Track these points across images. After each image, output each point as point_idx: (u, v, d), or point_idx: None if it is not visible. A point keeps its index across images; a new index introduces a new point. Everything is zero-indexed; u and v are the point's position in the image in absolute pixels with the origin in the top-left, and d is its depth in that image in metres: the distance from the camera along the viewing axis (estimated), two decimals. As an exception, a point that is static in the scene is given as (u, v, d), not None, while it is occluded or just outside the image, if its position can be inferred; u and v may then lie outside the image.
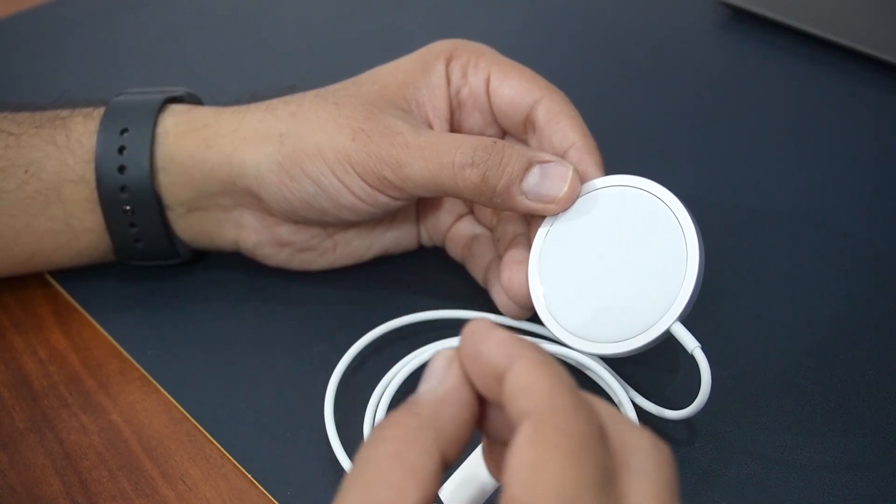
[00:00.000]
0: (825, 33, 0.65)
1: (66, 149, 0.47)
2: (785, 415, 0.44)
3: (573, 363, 0.45)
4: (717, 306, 0.48)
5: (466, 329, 0.29)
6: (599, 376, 0.44)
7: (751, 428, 0.43)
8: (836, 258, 0.51)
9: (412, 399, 0.29)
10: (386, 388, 0.44)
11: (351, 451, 0.42)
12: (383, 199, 0.45)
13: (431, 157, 0.43)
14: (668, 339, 0.41)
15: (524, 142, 0.48)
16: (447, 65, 0.48)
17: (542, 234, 0.44)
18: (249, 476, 0.42)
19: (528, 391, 0.27)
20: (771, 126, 0.61)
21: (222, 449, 0.44)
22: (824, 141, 0.59)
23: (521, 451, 0.26)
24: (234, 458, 0.43)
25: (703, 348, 0.40)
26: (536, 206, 0.43)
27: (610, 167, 0.45)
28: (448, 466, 0.28)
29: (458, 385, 0.29)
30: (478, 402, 0.29)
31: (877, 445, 0.42)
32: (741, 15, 0.70)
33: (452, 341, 0.46)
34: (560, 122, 0.45)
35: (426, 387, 0.29)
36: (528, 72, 0.47)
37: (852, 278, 0.50)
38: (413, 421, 0.28)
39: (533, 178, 0.43)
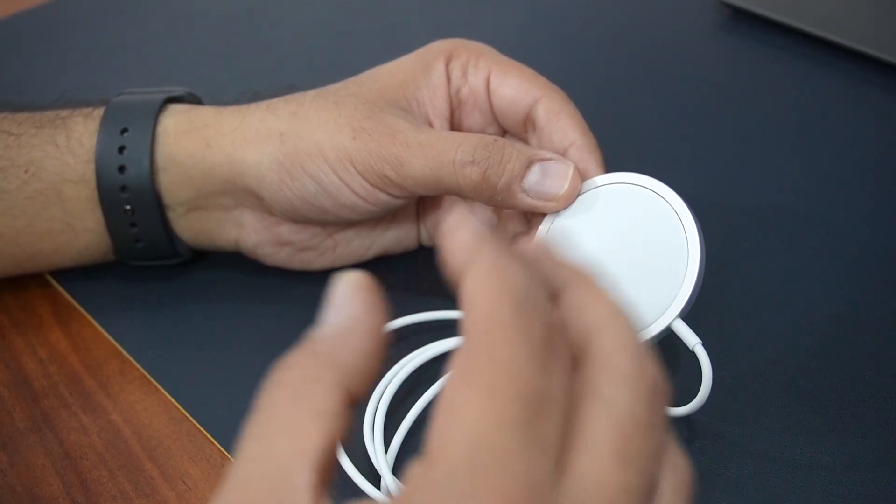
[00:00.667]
0: (825, 33, 0.65)
1: (67, 149, 0.47)
2: (785, 415, 0.43)
3: None
4: (717, 306, 0.48)
5: (444, 223, 0.26)
6: None
7: (751, 428, 0.43)
8: (837, 258, 0.51)
9: (310, 335, 0.26)
10: (386, 388, 0.44)
11: (351, 451, 0.42)
12: (384, 197, 0.45)
13: (432, 155, 0.43)
14: (668, 336, 0.41)
15: (524, 141, 0.48)
16: (447, 64, 0.48)
17: (542, 233, 0.44)
18: (249, 476, 0.42)
19: (469, 307, 0.24)
20: (771, 126, 0.61)
21: (222, 449, 0.44)
22: (824, 141, 0.59)
23: (447, 388, 0.24)
24: (234, 458, 0.43)
25: (703, 345, 0.40)
26: (537, 204, 0.43)
27: (610, 167, 0.45)
28: (356, 402, 0.26)
29: (360, 314, 0.26)
30: (383, 327, 0.26)
31: (877, 445, 0.42)
32: (741, 15, 0.70)
33: (452, 341, 0.46)
34: (560, 121, 0.46)
35: (325, 318, 0.27)
36: (528, 71, 0.47)
37: (852, 278, 0.50)
38: (310, 360, 0.26)
39: (534, 176, 0.43)
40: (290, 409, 0.25)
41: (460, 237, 0.25)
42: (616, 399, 0.24)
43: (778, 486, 0.41)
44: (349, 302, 0.26)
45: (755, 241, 0.52)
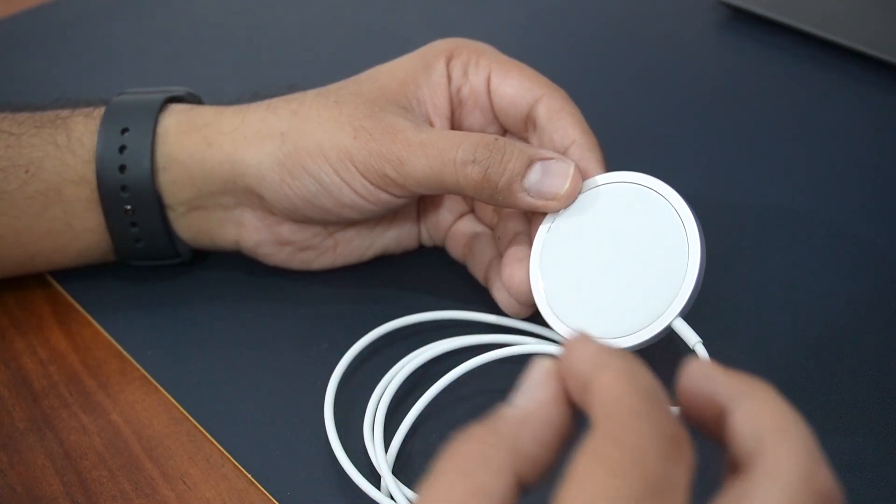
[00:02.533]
0: (825, 33, 0.65)
1: (67, 149, 0.47)
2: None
3: None
4: (717, 306, 0.48)
5: (565, 342, 0.28)
6: None
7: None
8: (837, 258, 0.51)
9: (498, 412, 0.27)
10: (386, 388, 0.44)
11: (351, 451, 0.42)
12: (385, 196, 0.45)
13: (433, 154, 0.43)
14: (669, 335, 0.41)
15: (525, 140, 0.48)
16: (448, 63, 0.48)
17: (543, 231, 0.44)
18: (249, 476, 0.42)
19: (599, 401, 0.26)
20: (771, 126, 0.61)
21: (222, 449, 0.44)
22: (824, 141, 0.59)
23: (572, 465, 0.25)
24: (234, 458, 0.43)
25: (704, 344, 0.40)
26: (538, 203, 0.43)
27: (610, 166, 0.45)
28: (526, 489, 0.26)
29: (548, 403, 0.27)
30: (570, 421, 0.27)
31: (877, 445, 0.42)
32: (741, 15, 0.70)
33: (452, 342, 0.46)
34: (561, 120, 0.46)
35: (516, 399, 0.28)
36: (528, 70, 0.47)
37: (852, 278, 0.50)
38: (490, 438, 0.26)
39: (534, 175, 0.43)
40: (458, 481, 0.25)
41: (587, 349, 0.27)
42: (769, 498, 0.25)
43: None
44: (540, 388, 0.27)
45: (755, 241, 0.52)
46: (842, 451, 0.42)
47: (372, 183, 0.45)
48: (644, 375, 0.27)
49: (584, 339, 0.28)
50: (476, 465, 0.26)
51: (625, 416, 0.25)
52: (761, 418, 0.26)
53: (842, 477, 0.40)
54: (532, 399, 0.27)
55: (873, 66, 0.64)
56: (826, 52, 0.65)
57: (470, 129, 0.49)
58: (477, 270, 0.49)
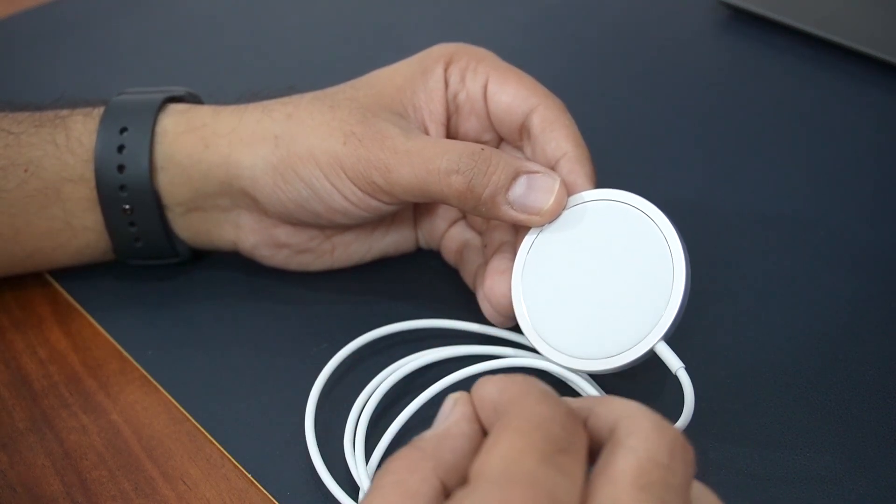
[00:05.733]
0: (825, 33, 0.65)
1: (66, 148, 0.47)
2: (784, 415, 0.43)
3: (557, 375, 0.43)
4: (716, 307, 0.48)
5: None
6: (584, 390, 0.43)
7: (749, 428, 0.43)
8: (836, 258, 0.51)
9: (419, 436, 0.32)
10: (372, 393, 0.44)
11: (331, 461, 0.42)
12: (374, 203, 0.45)
13: (418, 162, 0.43)
14: (653, 356, 0.40)
15: (520, 149, 0.48)
16: (446, 69, 0.47)
17: (526, 245, 0.43)
18: (249, 476, 0.42)
19: (509, 398, 0.30)
20: (771, 126, 0.61)
21: (222, 449, 0.44)
22: (824, 141, 0.59)
23: (485, 442, 0.29)
24: (234, 458, 0.43)
25: (686, 368, 0.39)
26: (521, 217, 0.43)
27: (608, 167, 0.45)
28: (449, 492, 0.30)
29: (460, 420, 0.31)
30: (481, 436, 0.31)
31: (877, 446, 0.42)
32: (741, 15, 0.70)
33: (435, 353, 0.46)
34: (554, 131, 0.45)
35: (434, 426, 0.32)
36: (526, 78, 0.47)
37: (852, 278, 0.50)
38: (415, 453, 0.30)
39: (519, 189, 0.42)
40: (392, 490, 0.29)
41: (493, 379, 0.31)
42: (638, 446, 0.29)
43: (777, 486, 0.41)
44: (451, 412, 0.32)
45: (755, 241, 0.52)
46: (842, 452, 0.42)
47: (361, 189, 0.45)
48: (540, 386, 0.31)
49: (487, 378, 0.32)
50: (406, 475, 0.30)
51: (528, 401, 0.30)
52: (612, 409, 0.31)
53: (842, 477, 0.41)
54: (445, 420, 0.32)
55: (873, 66, 0.64)
56: (826, 52, 0.65)
57: (465, 136, 0.48)
58: (467, 277, 0.48)
